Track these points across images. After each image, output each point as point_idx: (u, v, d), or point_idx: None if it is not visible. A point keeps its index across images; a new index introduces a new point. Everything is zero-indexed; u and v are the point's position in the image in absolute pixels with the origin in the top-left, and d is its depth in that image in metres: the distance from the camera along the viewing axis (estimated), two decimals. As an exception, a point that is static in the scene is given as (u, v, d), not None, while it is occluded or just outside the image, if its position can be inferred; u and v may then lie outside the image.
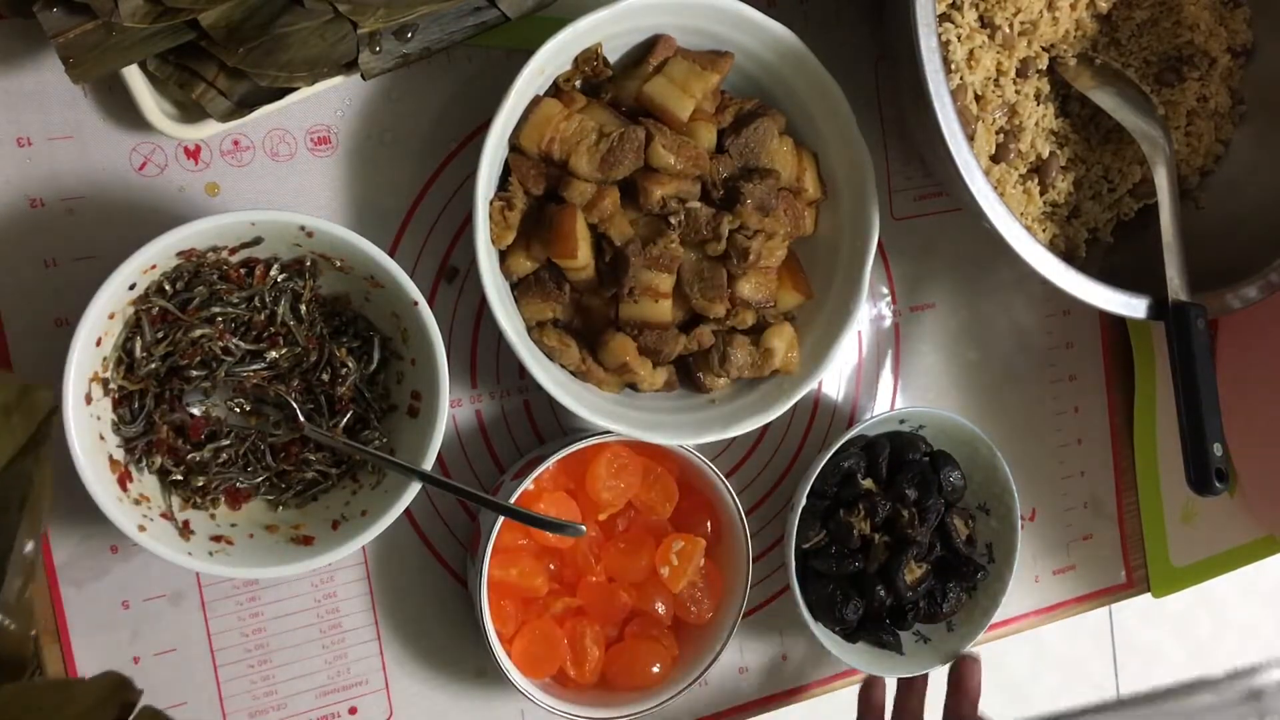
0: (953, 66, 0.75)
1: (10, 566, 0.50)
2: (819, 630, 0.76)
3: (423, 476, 0.64)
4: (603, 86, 0.70)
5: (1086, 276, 0.74)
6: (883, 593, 0.77)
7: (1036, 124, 0.79)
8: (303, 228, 0.61)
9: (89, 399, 0.60)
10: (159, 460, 0.63)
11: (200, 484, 0.64)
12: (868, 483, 0.78)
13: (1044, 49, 0.79)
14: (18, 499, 0.51)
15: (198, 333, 0.63)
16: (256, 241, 0.63)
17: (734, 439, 0.75)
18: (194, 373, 0.63)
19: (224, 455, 0.64)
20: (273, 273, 0.65)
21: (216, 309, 0.63)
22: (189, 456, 0.64)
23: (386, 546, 0.72)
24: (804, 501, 0.75)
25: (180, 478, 0.64)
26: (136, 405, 0.63)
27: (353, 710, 0.72)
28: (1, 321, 0.63)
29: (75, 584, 0.65)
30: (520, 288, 0.69)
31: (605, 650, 0.73)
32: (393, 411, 0.67)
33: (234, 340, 0.64)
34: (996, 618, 0.89)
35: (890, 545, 0.77)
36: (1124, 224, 0.85)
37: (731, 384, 0.75)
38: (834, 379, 0.84)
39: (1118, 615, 1.82)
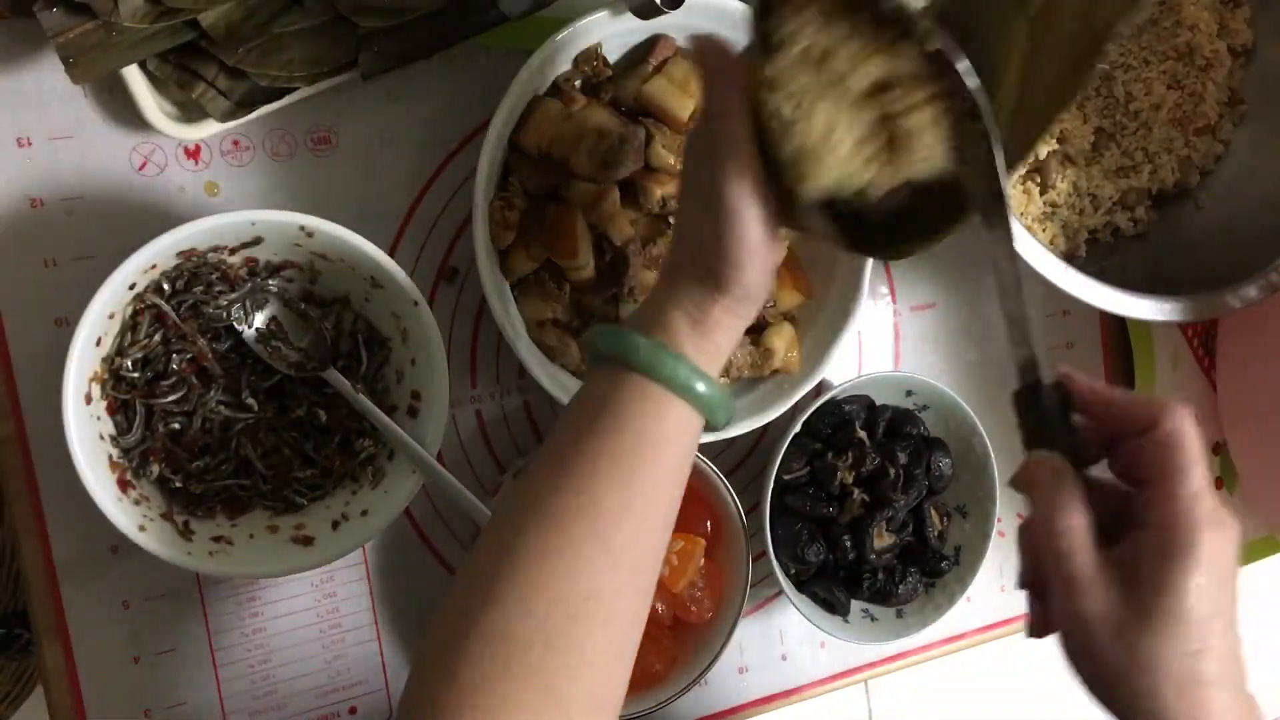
0: (953, 66, 0.75)
1: None
2: (776, 564, 0.75)
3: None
4: (603, 86, 0.70)
5: (1087, 276, 0.74)
6: (849, 544, 0.77)
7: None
8: (303, 228, 0.61)
9: (89, 399, 0.60)
10: (157, 469, 0.63)
11: (199, 491, 0.64)
12: (862, 435, 0.78)
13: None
14: None
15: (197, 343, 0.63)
16: (256, 241, 0.63)
17: (734, 439, 0.75)
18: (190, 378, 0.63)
19: (220, 462, 0.64)
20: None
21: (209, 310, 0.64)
22: (190, 465, 0.64)
23: (386, 546, 0.72)
24: (798, 428, 0.74)
25: (179, 485, 0.64)
26: (131, 411, 0.63)
27: (353, 710, 0.72)
28: (2, 321, 0.63)
29: (75, 584, 0.65)
30: (520, 288, 0.69)
31: (605, 650, 0.73)
32: (393, 411, 0.67)
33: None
34: (975, 624, 0.89)
35: (867, 504, 0.77)
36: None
37: (731, 384, 0.75)
38: (834, 380, 0.83)
39: (1118, 615, 1.81)
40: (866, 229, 0.54)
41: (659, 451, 0.51)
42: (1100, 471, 0.51)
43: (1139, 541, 0.47)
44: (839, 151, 0.50)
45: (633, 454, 0.50)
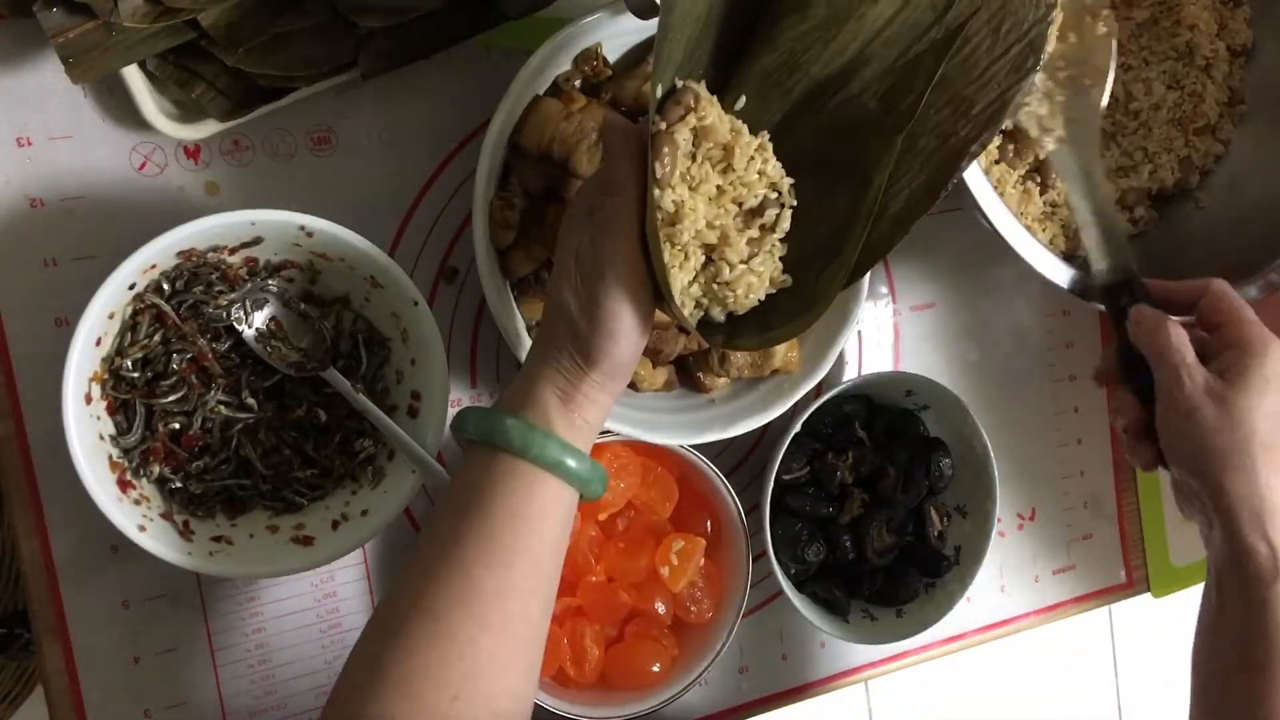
0: (953, 66, 0.75)
1: None
2: (776, 564, 0.75)
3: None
4: (603, 86, 0.70)
5: (1087, 276, 0.74)
6: (849, 544, 0.77)
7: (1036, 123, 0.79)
8: (303, 228, 0.61)
9: (89, 399, 0.60)
10: (157, 469, 0.63)
11: (199, 491, 0.64)
12: (862, 435, 0.78)
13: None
14: None
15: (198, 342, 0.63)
16: (256, 241, 0.63)
17: (734, 439, 0.75)
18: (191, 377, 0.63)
19: (220, 461, 0.64)
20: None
21: (210, 309, 0.64)
22: (190, 465, 0.64)
23: (386, 546, 0.72)
24: (797, 428, 0.74)
25: (179, 485, 0.64)
26: (131, 411, 0.63)
27: (353, 710, 0.72)
28: (2, 321, 0.63)
29: (75, 584, 0.65)
30: (520, 288, 0.69)
31: (605, 650, 0.73)
32: (393, 411, 0.67)
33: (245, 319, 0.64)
34: (975, 624, 0.89)
35: (866, 504, 0.77)
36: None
37: (731, 384, 0.75)
38: (834, 380, 0.83)
39: (1118, 615, 1.82)
40: (733, 324, 0.58)
41: (536, 528, 0.52)
42: None
43: (1224, 353, 0.63)
44: (681, 279, 0.55)
45: (510, 533, 0.52)
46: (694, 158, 0.54)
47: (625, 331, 0.53)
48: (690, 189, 0.54)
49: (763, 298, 0.57)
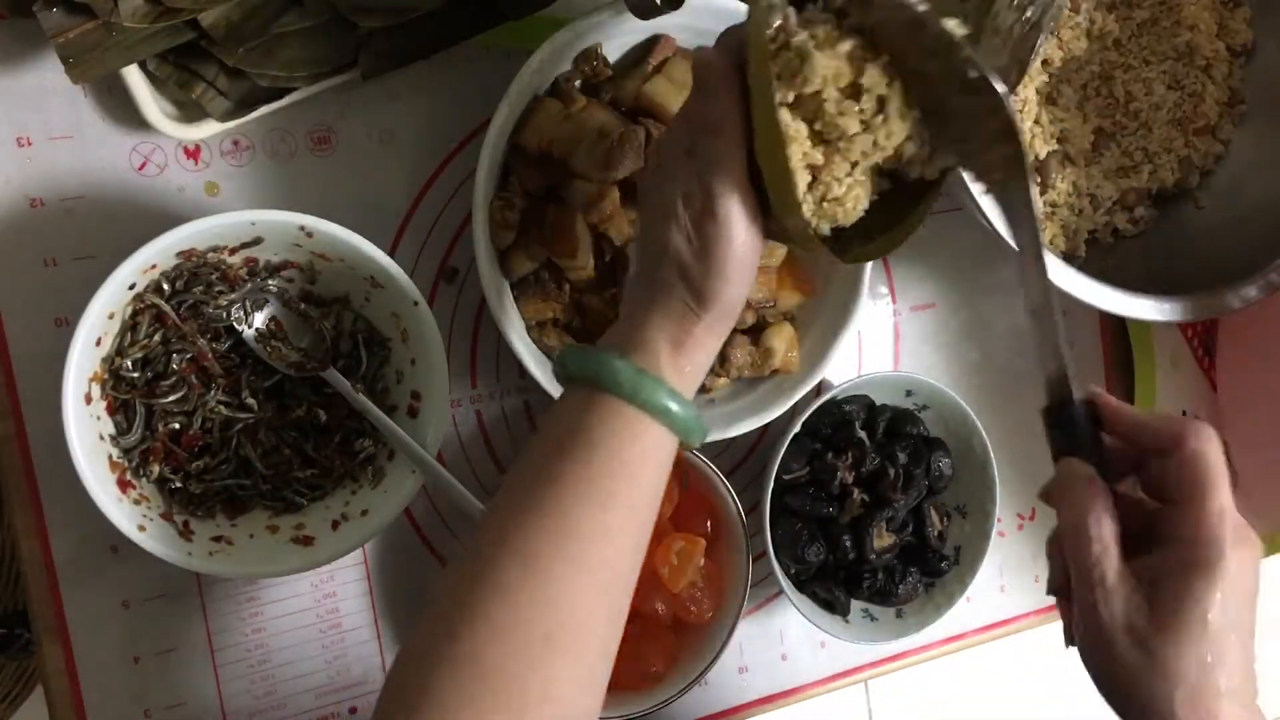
0: (953, 66, 0.75)
1: None
2: (776, 564, 0.75)
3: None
4: (603, 86, 0.70)
5: (1087, 276, 0.74)
6: (849, 544, 0.77)
7: (1036, 122, 0.79)
8: (303, 228, 0.61)
9: (89, 399, 0.60)
10: (157, 469, 0.63)
11: (199, 491, 0.64)
12: (862, 435, 0.78)
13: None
14: None
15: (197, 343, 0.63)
16: (256, 241, 0.63)
17: (734, 439, 0.75)
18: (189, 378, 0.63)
19: (220, 461, 0.64)
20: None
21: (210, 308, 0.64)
22: (190, 465, 0.64)
23: (386, 546, 0.72)
24: (797, 428, 0.74)
25: (179, 485, 0.64)
26: (131, 411, 0.63)
27: (353, 710, 0.72)
28: (1, 321, 0.63)
29: (75, 584, 0.65)
30: (520, 288, 0.69)
31: (605, 650, 0.73)
32: (393, 411, 0.68)
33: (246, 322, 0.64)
34: (975, 624, 0.89)
35: (867, 504, 0.77)
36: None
37: (731, 384, 0.75)
38: (834, 380, 0.83)
39: (1118, 615, 1.81)
40: (844, 232, 0.56)
41: (635, 473, 0.51)
42: (1129, 488, 0.52)
43: (1165, 554, 0.49)
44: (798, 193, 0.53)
45: (609, 476, 0.50)
46: (778, 77, 0.52)
47: (738, 271, 0.52)
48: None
49: (867, 206, 0.55)
